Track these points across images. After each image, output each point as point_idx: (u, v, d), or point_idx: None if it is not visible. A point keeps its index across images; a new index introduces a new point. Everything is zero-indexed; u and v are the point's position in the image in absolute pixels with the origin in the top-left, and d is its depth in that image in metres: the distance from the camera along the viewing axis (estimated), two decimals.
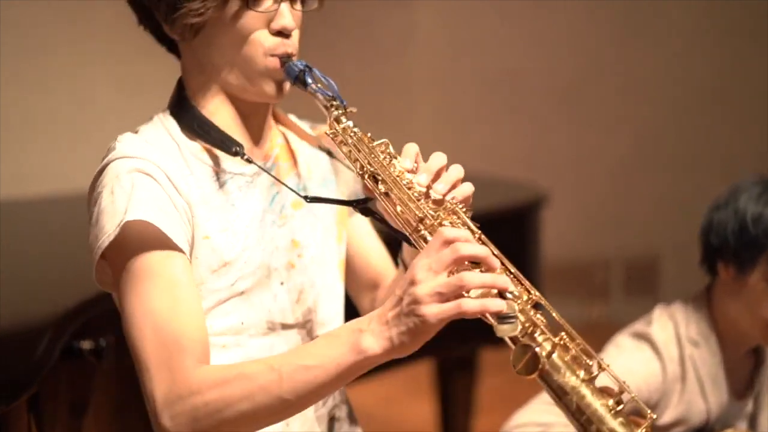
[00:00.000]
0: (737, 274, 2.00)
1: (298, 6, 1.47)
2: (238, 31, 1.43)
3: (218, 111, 1.49)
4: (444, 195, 1.34)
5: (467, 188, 1.36)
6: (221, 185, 1.46)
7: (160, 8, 1.44)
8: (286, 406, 1.28)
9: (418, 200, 1.33)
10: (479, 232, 1.30)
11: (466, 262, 1.24)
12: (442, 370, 3.41)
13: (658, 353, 2.01)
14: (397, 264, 1.66)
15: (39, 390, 1.59)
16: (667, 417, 2.01)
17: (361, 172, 1.38)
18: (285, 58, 1.45)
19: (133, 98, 4.39)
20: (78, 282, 2.19)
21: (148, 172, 1.38)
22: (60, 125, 4.28)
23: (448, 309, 1.19)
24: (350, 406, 1.66)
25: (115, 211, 1.35)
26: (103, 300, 1.96)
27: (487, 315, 1.21)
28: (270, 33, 1.44)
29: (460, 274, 1.20)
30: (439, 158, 1.36)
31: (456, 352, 3.24)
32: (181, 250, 1.37)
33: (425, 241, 1.30)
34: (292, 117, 1.66)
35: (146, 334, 1.33)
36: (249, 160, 1.45)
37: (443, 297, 1.19)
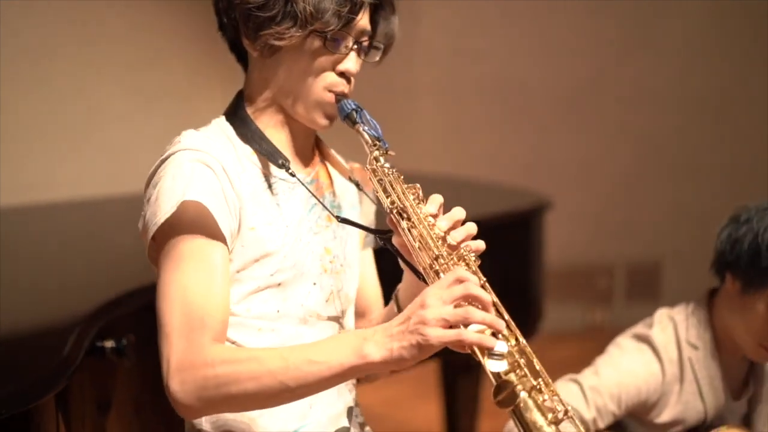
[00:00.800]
0: (742, 291, 2.02)
1: (362, 56, 1.64)
2: (310, 64, 1.58)
3: (272, 124, 1.64)
4: (459, 243, 1.47)
5: (479, 244, 1.49)
6: (269, 186, 1.61)
7: (248, 24, 1.57)
8: (287, 393, 1.41)
9: (437, 241, 1.46)
10: (484, 279, 1.43)
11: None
12: (447, 372, 3.45)
13: (658, 355, 2.06)
14: (387, 300, 1.80)
15: (66, 388, 1.66)
16: (665, 416, 2.07)
17: (391, 207, 1.51)
18: (340, 96, 1.60)
19: (140, 104, 4.39)
20: (99, 285, 2.27)
21: (208, 164, 1.52)
22: (61, 127, 4.29)
23: (449, 335, 1.32)
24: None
25: (174, 193, 1.49)
26: (124, 302, 2.04)
27: (477, 349, 1.32)
28: (335, 72, 1.59)
29: (467, 308, 1.33)
30: (459, 211, 1.50)
31: (461, 354, 3.26)
32: (224, 240, 1.51)
33: (438, 276, 1.42)
34: None
35: (176, 305, 1.47)
36: (293, 174, 1.60)
37: (447, 324, 1.33)
